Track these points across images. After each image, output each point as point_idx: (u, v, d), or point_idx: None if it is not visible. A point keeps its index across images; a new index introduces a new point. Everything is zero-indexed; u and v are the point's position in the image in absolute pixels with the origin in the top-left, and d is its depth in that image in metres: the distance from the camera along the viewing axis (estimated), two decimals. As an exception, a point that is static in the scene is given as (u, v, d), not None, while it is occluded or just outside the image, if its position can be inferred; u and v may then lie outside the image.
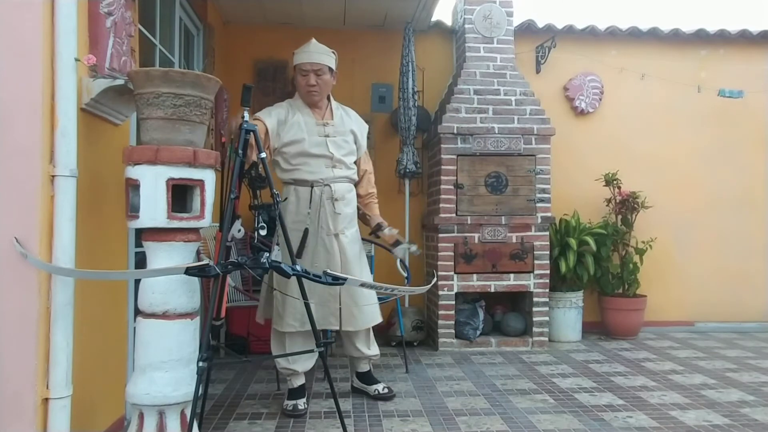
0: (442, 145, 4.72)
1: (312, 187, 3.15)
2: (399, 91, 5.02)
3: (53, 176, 2.10)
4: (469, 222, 4.68)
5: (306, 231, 3.10)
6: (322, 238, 3.14)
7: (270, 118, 3.14)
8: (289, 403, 3.12)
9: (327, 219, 3.15)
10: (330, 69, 3.22)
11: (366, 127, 3.47)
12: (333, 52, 3.25)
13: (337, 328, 3.19)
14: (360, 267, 3.27)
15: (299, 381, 3.21)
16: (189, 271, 2.16)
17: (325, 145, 3.19)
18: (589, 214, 5.30)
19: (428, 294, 5.01)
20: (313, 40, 3.24)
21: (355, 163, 3.34)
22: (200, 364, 2.26)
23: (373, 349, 3.41)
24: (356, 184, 3.38)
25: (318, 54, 3.18)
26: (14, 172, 2.06)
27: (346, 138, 3.28)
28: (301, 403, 3.13)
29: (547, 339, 4.75)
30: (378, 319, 3.33)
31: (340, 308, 3.16)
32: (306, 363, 3.20)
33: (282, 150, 3.17)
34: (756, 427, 2.90)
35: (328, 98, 3.34)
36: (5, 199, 2.06)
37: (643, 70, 5.56)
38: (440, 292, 4.65)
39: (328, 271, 2.53)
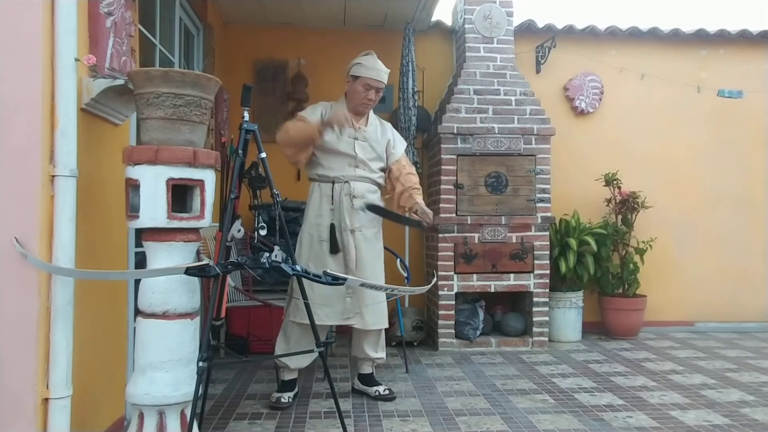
0: (442, 145, 4.72)
1: (333, 183, 3.24)
2: (399, 91, 5.02)
3: (53, 176, 2.10)
4: (469, 222, 4.68)
5: (332, 227, 3.20)
6: (341, 233, 3.22)
7: (312, 115, 3.29)
8: (274, 395, 3.23)
9: (344, 215, 3.22)
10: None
11: (404, 142, 3.54)
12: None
13: (353, 323, 3.25)
14: (373, 268, 3.30)
15: (289, 376, 3.30)
16: (189, 271, 2.16)
17: (352, 146, 3.29)
18: (589, 214, 5.30)
19: (428, 294, 5.01)
20: (375, 55, 3.33)
21: (382, 170, 3.40)
22: (200, 364, 2.26)
23: (380, 353, 3.44)
24: (393, 184, 3.41)
25: (383, 73, 3.31)
26: (14, 172, 2.06)
27: (374, 145, 3.36)
28: (285, 396, 3.21)
29: (547, 339, 4.75)
30: (384, 323, 3.36)
31: (349, 305, 3.23)
32: (299, 361, 3.25)
33: (316, 144, 3.27)
34: (756, 427, 2.90)
35: None
36: (5, 199, 2.06)
37: (643, 70, 5.56)
38: (440, 292, 4.65)
39: (328, 270, 2.54)
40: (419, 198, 3.35)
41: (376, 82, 3.28)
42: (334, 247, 3.20)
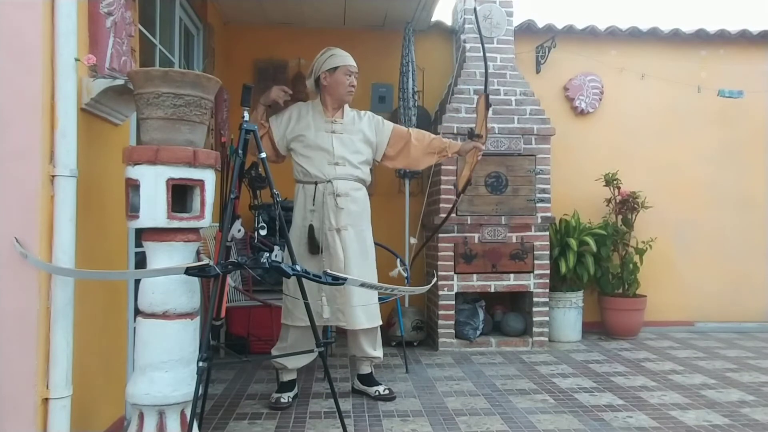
0: (442, 145, 4.71)
1: (316, 184, 3.23)
2: (399, 91, 5.02)
3: (53, 176, 2.10)
4: (469, 222, 4.68)
5: (311, 228, 3.19)
6: (325, 233, 3.21)
7: (276, 119, 3.35)
8: (274, 396, 3.24)
9: (329, 214, 3.21)
10: None
11: (378, 118, 3.52)
12: None
13: (344, 324, 3.24)
14: (362, 266, 3.28)
15: (288, 376, 3.31)
16: (189, 271, 2.16)
17: (330, 141, 3.28)
18: (589, 214, 5.30)
19: (428, 294, 5.01)
20: (339, 49, 3.40)
21: (366, 163, 3.40)
22: (200, 364, 2.26)
23: (378, 351, 3.44)
24: (404, 153, 3.46)
25: (353, 59, 3.37)
26: (14, 172, 2.06)
27: (353, 137, 3.35)
28: (285, 396, 3.22)
29: (547, 339, 4.75)
30: (372, 322, 3.33)
31: (342, 304, 3.22)
32: (296, 361, 3.25)
33: (292, 147, 3.32)
34: (756, 427, 2.90)
35: None
36: (5, 199, 2.06)
37: (643, 70, 5.56)
38: (440, 292, 4.65)
39: (328, 270, 2.54)
40: (443, 141, 3.50)
41: (355, 68, 3.35)
42: (313, 248, 3.19)
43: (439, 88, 5.38)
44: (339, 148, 3.27)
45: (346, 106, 3.43)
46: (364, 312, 3.25)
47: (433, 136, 3.53)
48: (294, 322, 3.19)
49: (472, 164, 3.53)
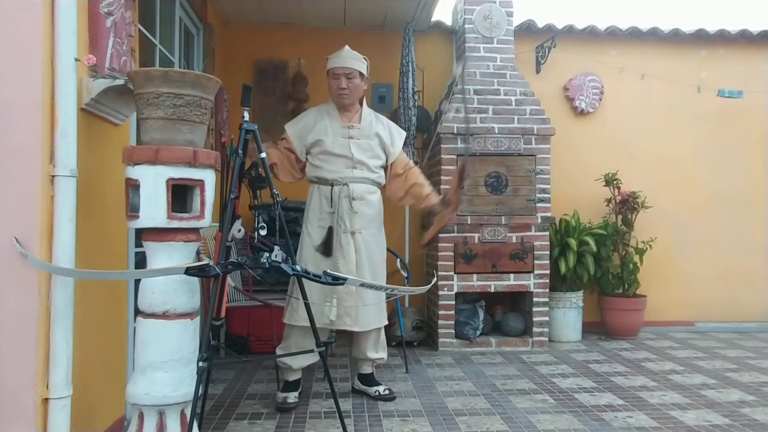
0: (442, 145, 4.72)
1: (332, 186, 3.23)
2: (399, 91, 5.02)
3: (53, 176, 2.10)
4: (469, 222, 4.68)
5: (330, 229, 3.20)
6: (340, 235, 3.21)
7: (293, 127, 3.33)
8: (279, 396, 3.23)
9: (345, 217, 3.22)
10: (361, 74, 3.31)
11: (402, 133, 3.49)
12: (365, 59, 3.36)
13: (352, 328, 3.23)
14: (373, 268, 3.29)
15: (293, 376, 3.29)
16: (189, 271, 2.16)
17: (348, 146, 3.27)
18: (589, 214, 5.30)
19: (428, 294, 5.01)
20: (347, 47, 3.35)
21: (383, 167, 3.38)
22: (200, 364, 2.26)
23: (380, 353, 3.43)
24: (394, 184, 3.41)
25: (350, 59, 3.30)
26: (14, 172, 2.06)
27: (371, 141, 3.33)
28: (291, 396, 3.21)
29: (547, 339, 4.75)
30: (376, 323, 3.34)
31: (352, 307, 3.21)
32: (301, 361, 3.24)
33: (310, 151, 3.30)
34: (756, 427, 2.90)
35: (360, 103, 3.42)
36: (5, 199, 2.06)
37: (643, 70, 5.56)
38: (440, 292, 4.65)
39: (328, 270, 2.54)
40: (426, 189, 3.38)
41: (341, 69, 3.27)
42: (328, 251, 3.19)
43: (439, 88, 5.38)
44: (357, 153, 3.27)
45: (365, 108, 3.42)
46: (372, 312, 3.25)
47: (417, 180, 3.41)
48: (298, 322, 3.17)
49: (438, 226, 3.41)
